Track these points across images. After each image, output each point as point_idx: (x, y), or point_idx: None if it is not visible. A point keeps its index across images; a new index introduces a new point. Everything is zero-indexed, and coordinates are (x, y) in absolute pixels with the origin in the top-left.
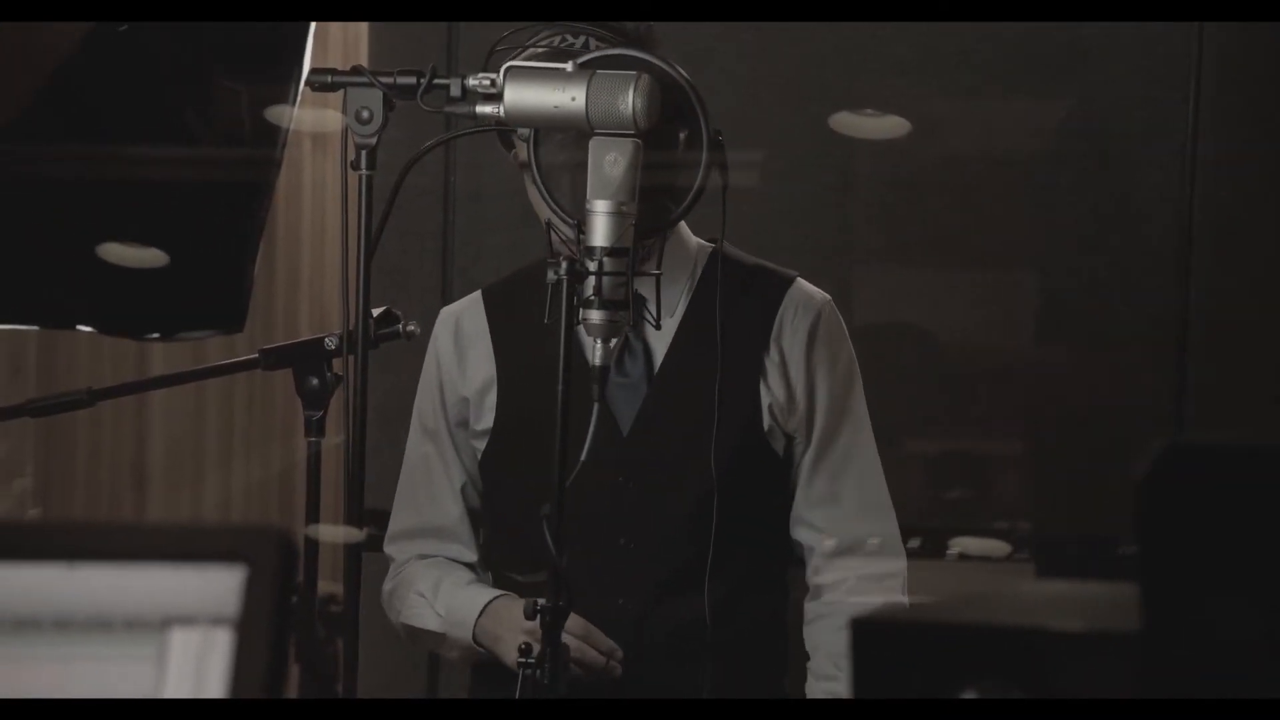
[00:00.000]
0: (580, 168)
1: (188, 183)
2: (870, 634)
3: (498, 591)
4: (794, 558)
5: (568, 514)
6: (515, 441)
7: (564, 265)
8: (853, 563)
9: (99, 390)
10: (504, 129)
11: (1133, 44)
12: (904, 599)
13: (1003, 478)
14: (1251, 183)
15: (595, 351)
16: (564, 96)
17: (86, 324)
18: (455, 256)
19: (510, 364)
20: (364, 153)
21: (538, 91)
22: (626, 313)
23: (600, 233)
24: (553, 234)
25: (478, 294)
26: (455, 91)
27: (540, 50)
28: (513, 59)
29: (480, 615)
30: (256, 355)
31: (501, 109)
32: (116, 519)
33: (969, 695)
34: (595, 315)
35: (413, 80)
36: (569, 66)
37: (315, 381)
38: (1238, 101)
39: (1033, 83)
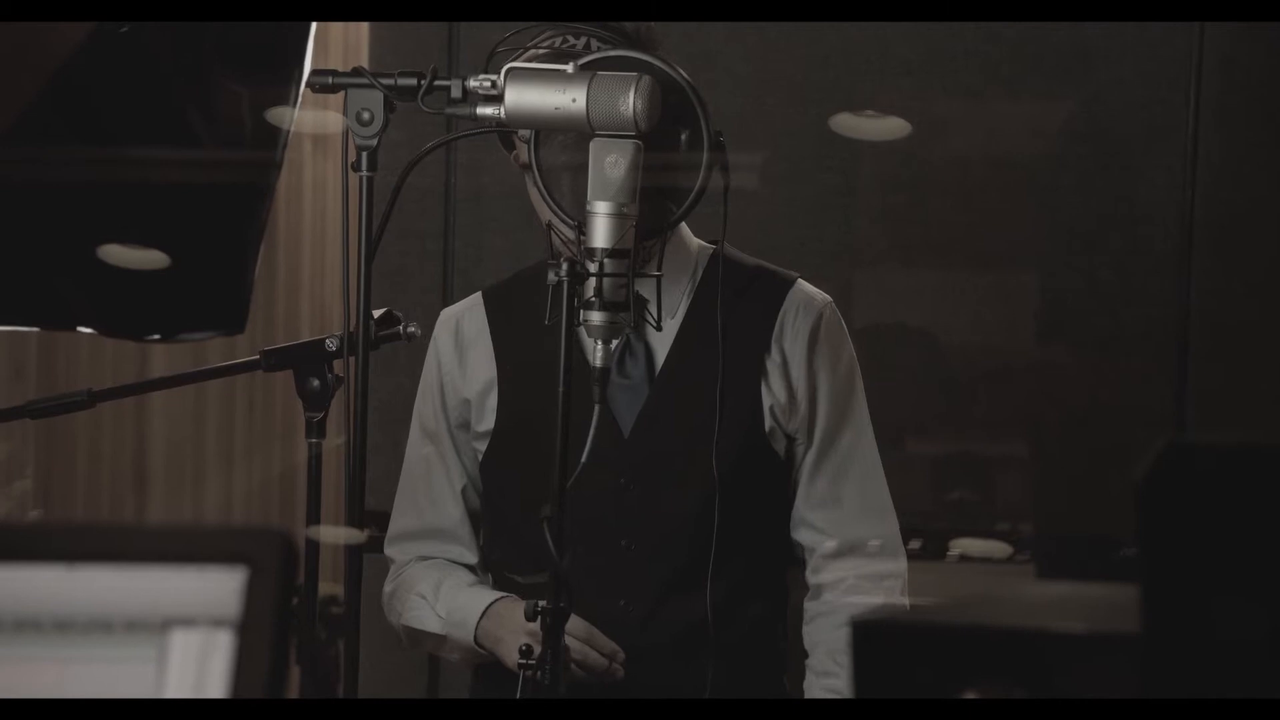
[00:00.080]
0: (581, 169)
1: (189, 184)
2: (872, 636)
3: (499, 593)
4: (794, 559)
5: (569, 515)
6: (516, 443)
7: (565, 266)
8: (853, 563)
9: (100, 391)
10: (505, 130)
11: (1134, 45)
12: (904, 601)
13: (1004, 479)
14: (1253, 184)
15: (596, 353)
16: (565, 98)
17: (87, 325)
18: (456, 258)
19: (511, 366)
20: (365, 154)
21: (538, 93)
22: (627, 314)
23: (601, 234)
24: (553, 235)
25: (478, 296)
26: (456, 93)
27: (541, 51)
28: (513, 60)
29: (482, 617)
30: (257, 357)
31: (502, 110)
32: (117, 520)
33: (970, 695)
34: (596, 316)
35: (413, 82)
36: (570, 68)
37: (316, 383)
38: (1239, 102)
39: (1035, 84)
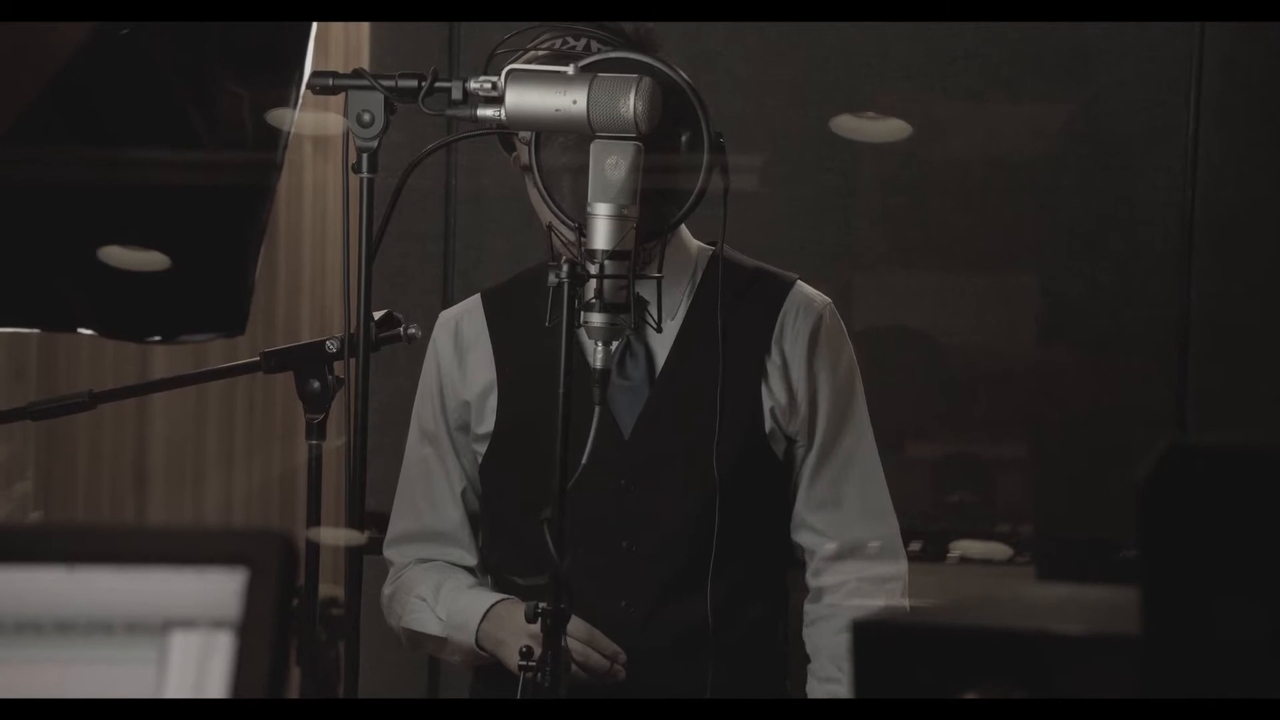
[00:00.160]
0: (581, 171)
1: (189, 186)
2: (872, 637)
3: (500, 595)
4: (794, 560)
5: (569, 517)
6: (516, 445)
7: (565, 268)
8: (853, 566)
9: (100, 393)
10: (505, 132)
11: (1134, 47)
12: (905, 603)
13: (1004, 480)
14: (1253, 184)
15: (597, 354)
16: (565, 99)
17: (88, 327)
18: (456, 259)
19: (510, 368)
20: (365, 155)
21: (539, 94)
22: (628, 316)
23: (601, 236)
24: (554, 237)
25: (476, 298)
26: (456, 94)
27: (541, 53)
28: (513, 62)
29: (483, 619)
30: (258, 358)
31: (503, 112)
32: (117, 522)
33: (971, 697)
34: (596, 318)
35: (414, 83)
36: (570, 69)
37: (316, 384)
38: (1239, 103)
39: (1035, 86)
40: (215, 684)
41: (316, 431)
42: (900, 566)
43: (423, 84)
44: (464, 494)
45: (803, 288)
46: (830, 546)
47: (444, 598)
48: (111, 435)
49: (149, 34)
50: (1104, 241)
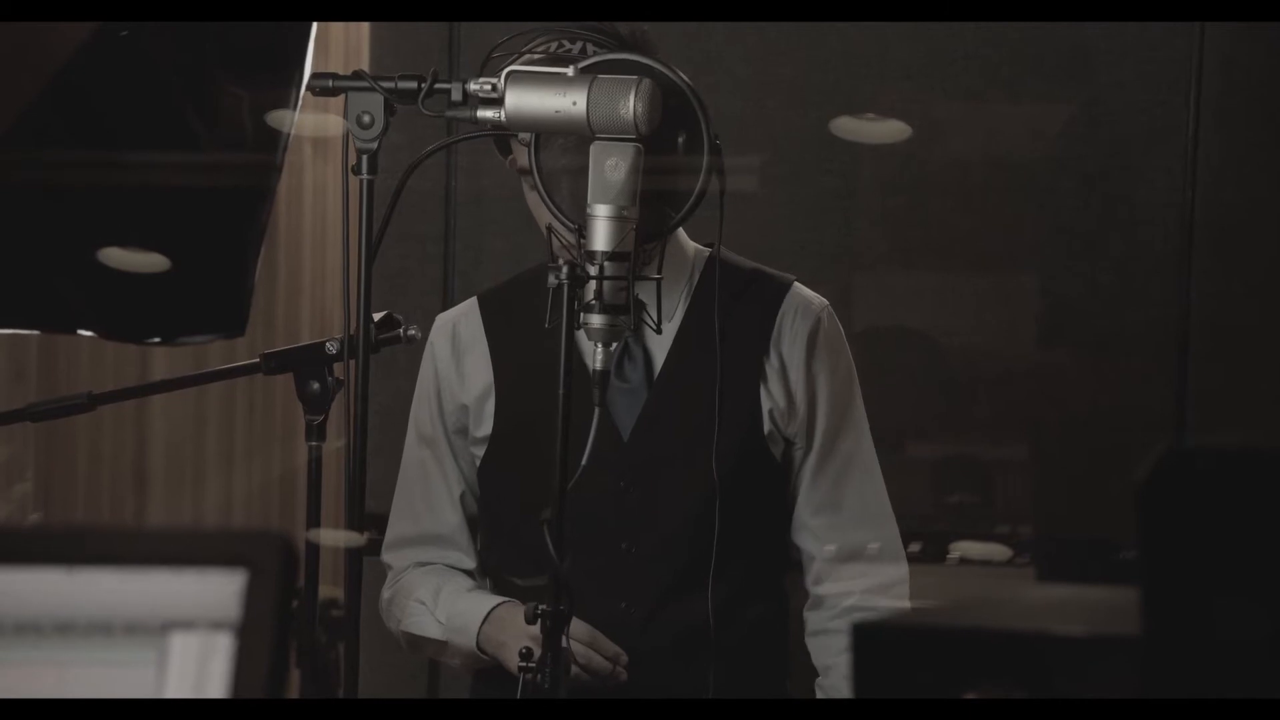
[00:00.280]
0: (581, 172)
1: (189, 187)
2: (872, 638)
3: (500, 598)
4: (793, 561)
5: (568, 519)
6: (514, 447)
7: (565, 270)
8: (855, 570)
9: (100, 394)
10: (504, 134)
11: (1134, 47)
12: (907, 606)
13: (1004, 481)
14: (1253, 185)
15: (596, 355)
16: (565, 101)
17: (88, 328)
18: (456, 260)
19: (508, 370)
20: (365, 157)
21: (539, 96)
22: (627, 317)
23: (601, 237)
24: (553, 238)
25: (473, 300)
26: (456, 96)
27: (537, 56)
28: (508, 65)
29: (483, 622)
30: (257, 360)
31: (502, 113)
32: (117, 523)
33: (970, 696)
34: (596, 320)
35: (414, 85)
36: (570, 71)
37: (316, 386)
38: (1239, 103)
39: (1035, 87)
40: (215, 685)
41: (316, 433)
42: (901, 569)
43: (422, 85)
44: (462, 497)
45: (800, 289)
46: (830, 549)
47: (443, 601)
48: (111, 437)
49: (149, 34)
50: (1104, 241)
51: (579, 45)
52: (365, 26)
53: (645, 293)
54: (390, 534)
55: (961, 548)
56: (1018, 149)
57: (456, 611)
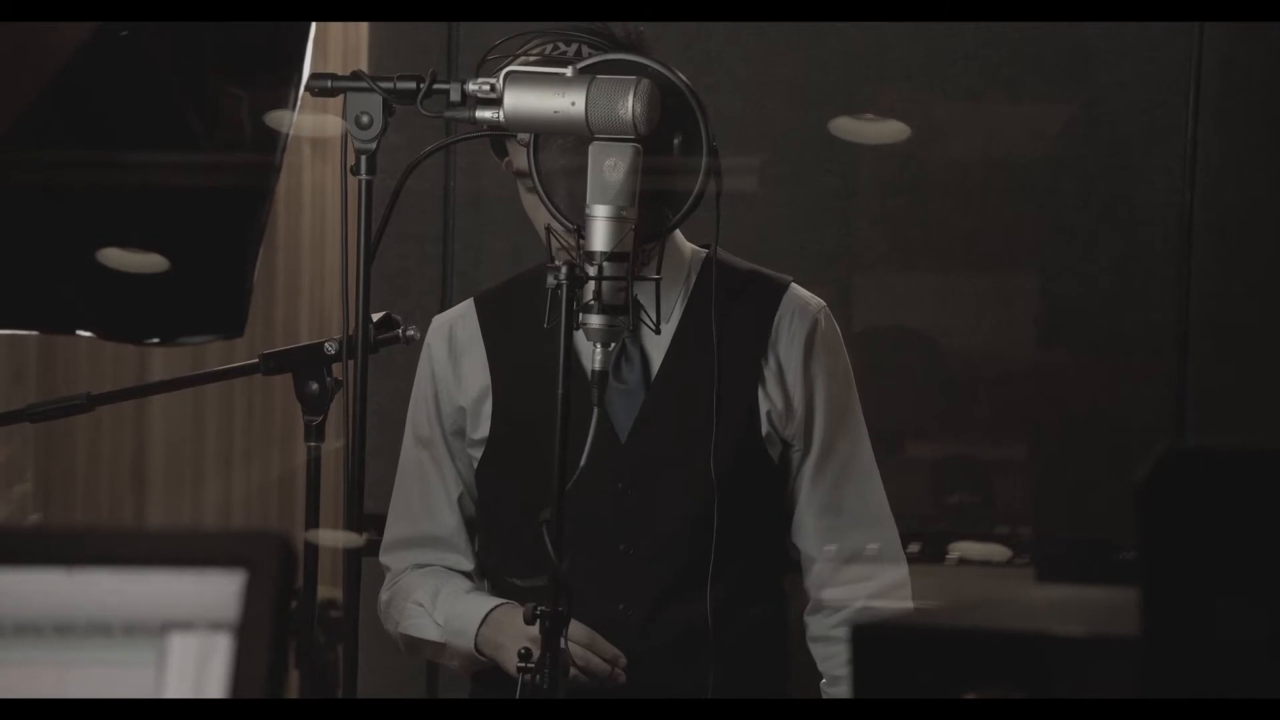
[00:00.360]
0: (580, 173)
1: (188, 188)
2: (872, 638)
3: (498, 600)
4: (791, 562)
5: (567, 520)
6: (512, 449)
7: (563, 270)
8: (858, 577)
9: (99, 395)
10: (503, 134)
11: (1134, 47)
12: (909, 606)
13: (1004, 482)
14: (1252, 185)
15: (595, 356)
16: (564, 101)
17: (87, 329)
18: (455, 261)
19: (505, 372)
20: (364, 157)
21: (537, 96)
22: (626, 318)
23: (600, 237)
24: (551, 239)
25: (470, 302)
26: (455, 96)
27: (532, 58)
28: (504, 67)
29: (482, 624)
30: (256, 360)
31: (501, 114)
32: (116, 524)
33: (970, 695)
34: (595, 320)
35: (412, 85)
36: (568, 71)
37: (315, 386)
38: (1239, 104)
39: (1034, 87)
40: (214, 686)
41: (315, 433)
42: (902, 570)
43: (421, 86)
44: (460, 499)
45: (797, 290)
46: (830, 551)
47: (441, 603)
48: (110, 437)
49: (149, 35)
50: (1104, 242)
51: (574, 47)
52: (364, 27)
53: (643, 293)
54: (388, 536)
55: (961, 548)
56: (1018, 149)
57: (454, 613)
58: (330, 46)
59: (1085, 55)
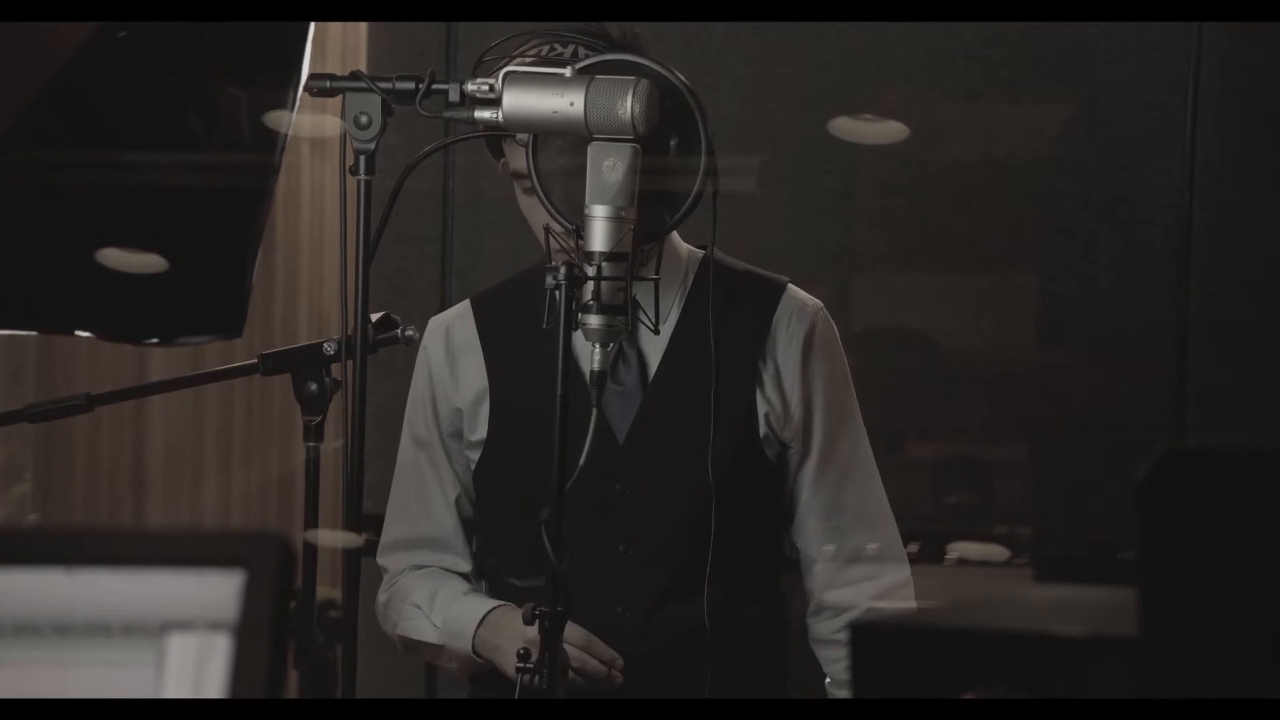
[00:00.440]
0: (579, 173)
1: (187, 188)
2: (871, 638)
3: (496, 602)
4: (788, 563)
5: (564, 521)
6: (509, 450)
7: (562, 270)
8: (860, 578)
9: (98, 395)
10: (502, 134)
11: (1134, 48)
12: (912, 606)
13: (1003, 482)
14: (1252, 185)
15: (594, 356)
16: (562, 101)
17: (86, 329)
18: (454, 261)
19: (502, 373)
20: (362, 158)
21: (536, 97)
22: (625, 318)
23: (599, 238)
24: (550, 240)
25: (466, 303)
26: (454, 97)
27: (528, 59)
28: (500, 68)
29: (479, 626)
30: (255, 360)
31: (500, 114)
32: (115, 524)
33: (970, 695)
34: (594, 320)
35: (411, 85)
36: (567, 72)
37: (314, 386)
38: (1238, 104)
39: (1034, 87)
40: (213, 686)
41: (314, 434)
42: (904, 570)
43: (420, 86)
44: (458, 500)
45: (794, 291)
46: (831, 551)
47: (439, 605)
48: (109, 437)
49: (148, 35)
50: (1104, 242)
51: (570, 48)
52: (363, 27)
53: (642, 294)
54: (385, 537)
55: (960, 548)
56: (1017, 149)
57: (452, 615)
58: (329, 47)
59: (1085, 55)
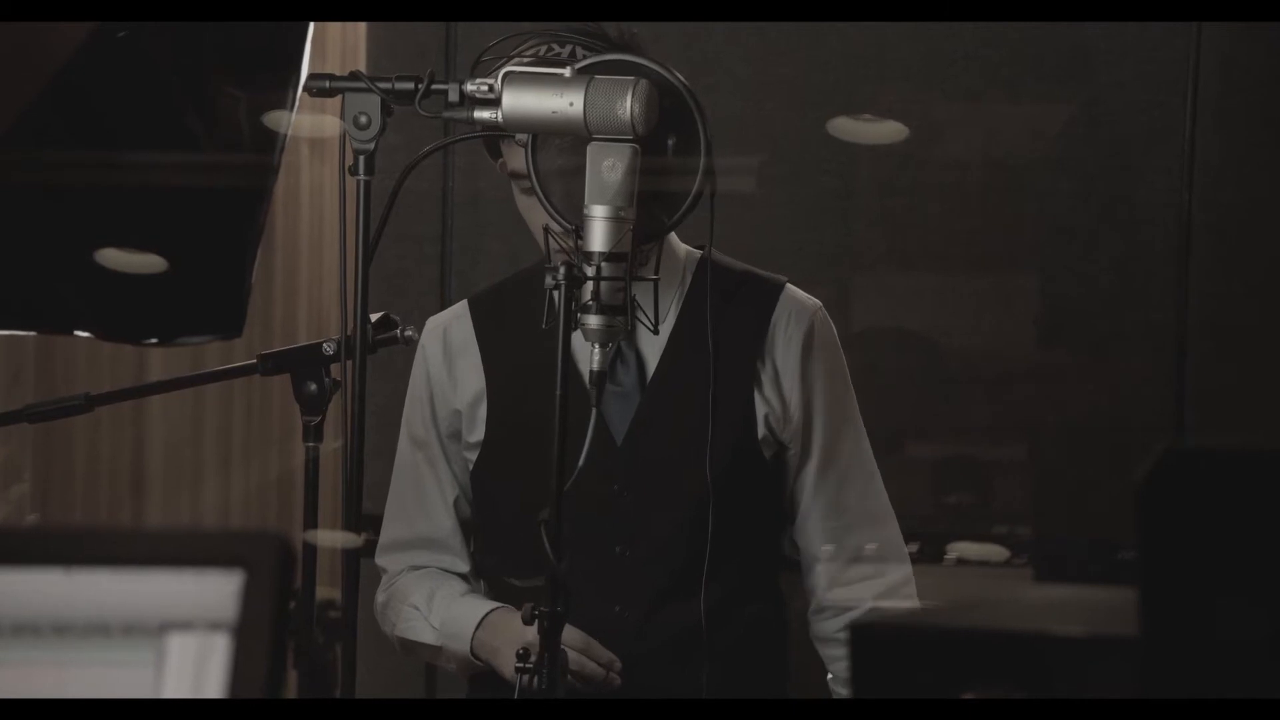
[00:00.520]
0: (578, 173)
1: (186, 188)
2: (871, 638)
3: (495, 604)
4: (786, 562)
5: (563, 522)
6: (507, 451)
7: (562, 271)
8: (862, 577)
9: (97, 395)
10: (501, 134)
11: (1134, 48)
12: (915, 604)
13: (1003, 482)
14: (1252, 185)
15: (594, 356)
16: (562, 102)
17: (85, 329)
18: (454, 261)
19: (499, 374)
20: (362, 158)
21: (535, 97)
22: (624, 318)
23: (599, 238)
24: (549, 240)
25: (464, 304)
26: (453, 97)
27: (526, 60)
28: (498, 68)
29: (478, 628)
30: (255, 360)
31: (499, 114)
32: (115, 524)
33: (969, 695)
34: (594, 320)
35: (410, 85)
36: (567, 72)
37: (313, 386)
38: (1238, 104)
39: (1034, 87)
40: (212, 686)
41: (314, 434)
42: (905, 569)
43: (419, 86)
44: (456, 501)
45: (793, 291)
46: (830, 550)
47: (437, 606)
48: (109, 438)
49: (148, 35)
50: (1104, 242)
51: (568, 49)
52: (362, 27)
53: (641, 294)
54: (383, 537)
55: (959, 548)
56: (1017, 149)
57: (451, 617)
58: (328, 47)
59: (1085, 55)
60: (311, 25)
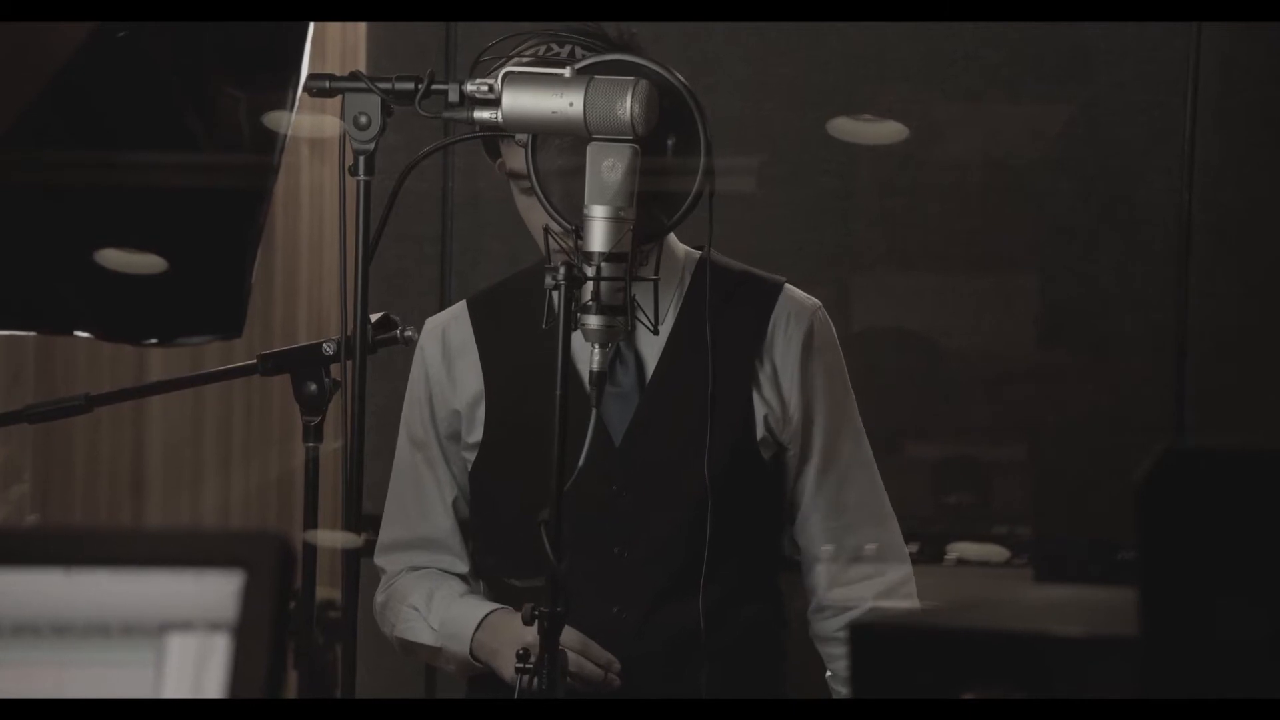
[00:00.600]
0: (578, 173)
1: (186, 188)
2: (871, 638)
3: (494, 605)
4: (785, 563)
5: (562, 522)
6: (506, 452)
7: (562, 271)
8: (863, 577)
9: (97, 396)
10: (501, 134)
11: (1134, 48)
12: (915, 604)
13: (1002, 482)
14: (1251, 186)
15: (594, 357)
16: (562, 102)
17: (85, 330)
18: (454, 261)
19: (498, 375)
20: (362, 158)
21: (535, 97)
22: (624, 318)
23: (598, 238)
24: (549, 240)
25: (462, 304)
26: (453, 97)
27: (525, 60)
28: (497, 68)
29: (477, 629)
30: (255, 361)
31: (499, 115)
32: (114, 525)
33: (969, 695)
34: (593, 320)
35: (410, 86)
36: (566, 72)
37: (313, 387)
38: (1238, 105)
39: (1035, 87)
40: (212, 686)
41: (314, 434)
42: (906, 568)
43: (419, 86)
44: (455, 501)
45: (792, 291)
46: (830, 550)
47: (436, 607)
48: (109, 438)
49: (148, 35)
50: (1104, 242)
51: (568, 49)
52: (362, 27)
53: (640, 294)
54: (383, 538)
55: (959, 548)
56: (1017, 149)
57: (450, 618)
58: (328, 47)
59: (1085, 55)
60: (311, 25)
